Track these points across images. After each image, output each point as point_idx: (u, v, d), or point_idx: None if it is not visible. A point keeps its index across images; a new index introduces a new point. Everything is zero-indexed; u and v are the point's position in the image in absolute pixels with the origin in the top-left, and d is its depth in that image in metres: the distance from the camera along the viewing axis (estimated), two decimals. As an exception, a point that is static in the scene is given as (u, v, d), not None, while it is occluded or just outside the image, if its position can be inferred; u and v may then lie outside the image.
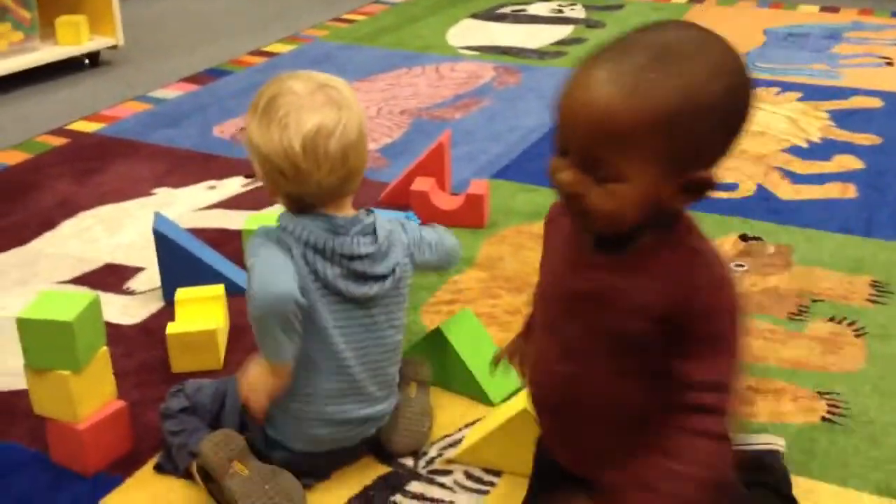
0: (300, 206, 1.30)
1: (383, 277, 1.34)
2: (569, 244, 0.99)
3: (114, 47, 3.29)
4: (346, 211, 1.33)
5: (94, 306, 1.37)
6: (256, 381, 1.31)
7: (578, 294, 0.97)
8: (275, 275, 1.24)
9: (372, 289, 1.32)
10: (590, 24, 3.78)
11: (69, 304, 1.33)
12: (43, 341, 1.33)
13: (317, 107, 1.26)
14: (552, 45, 3.54)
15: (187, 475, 1.37)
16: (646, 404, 0.95)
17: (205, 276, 1.80)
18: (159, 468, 1.40)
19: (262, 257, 1.26)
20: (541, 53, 3.43)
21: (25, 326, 1.33)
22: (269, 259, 1.26)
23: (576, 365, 0.99)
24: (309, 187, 1.26)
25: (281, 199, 1.32)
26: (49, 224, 2.16)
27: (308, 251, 1.28)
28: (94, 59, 3.30)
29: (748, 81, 0.89)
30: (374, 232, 1.33)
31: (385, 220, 1.37)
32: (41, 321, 1.32)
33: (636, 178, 0.87)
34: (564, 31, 3.71)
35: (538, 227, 2.10)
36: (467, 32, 3.69)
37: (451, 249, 1.50)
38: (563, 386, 1.01)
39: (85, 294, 1.36)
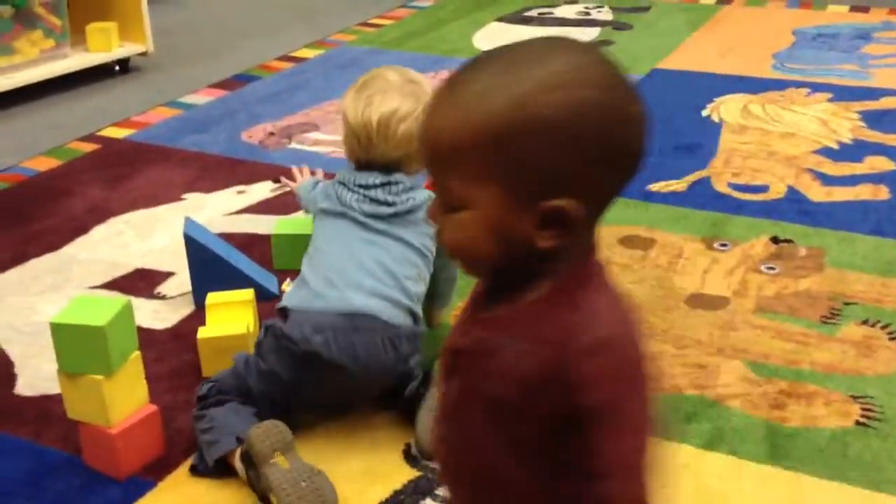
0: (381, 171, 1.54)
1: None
2: (472, 295, 0.87)
3: (143, 54, 3.32)
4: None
5: (127, 311, 1.38)
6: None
7: (456, 350, 0.86)
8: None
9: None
10: (617, 26, 3.77)
11: (102, 310, 1.35)
12: (76, 346, 1.34)
13: (400, 95, 1.52)
14: (579, 47, 3.53)
15: (218, 468, 1.39)
16: (533, 492, 0.81)
17: (235, 280, 1.81)
18: (194, 469, 1.41)
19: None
20: (568, 56, 3.42)
21: (59, 331, 1.34)
22: None
23: (451, 428, 0.87)
24: (374, 157, 1.53)
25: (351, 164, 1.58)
26: (81, 230, 2.18)
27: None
28: (124, 66, 3.33)
29: (607, 100, 0.75)
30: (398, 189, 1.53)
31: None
32: (74, 326, 1.33)
33: (479, 202, 0.76)
34: (591, 33, 3.70)
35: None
36: (494, 36, 3.69)
37: (453, 276, 1.67)
38: (442, 447, 0.89)
39: (117, 299, 1.38)
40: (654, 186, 2.32)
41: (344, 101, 1.57)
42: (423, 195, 1.55)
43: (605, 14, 3.93)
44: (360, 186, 1.54)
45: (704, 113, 2.81)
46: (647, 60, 3.30)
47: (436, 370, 1.47)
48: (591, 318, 0.78)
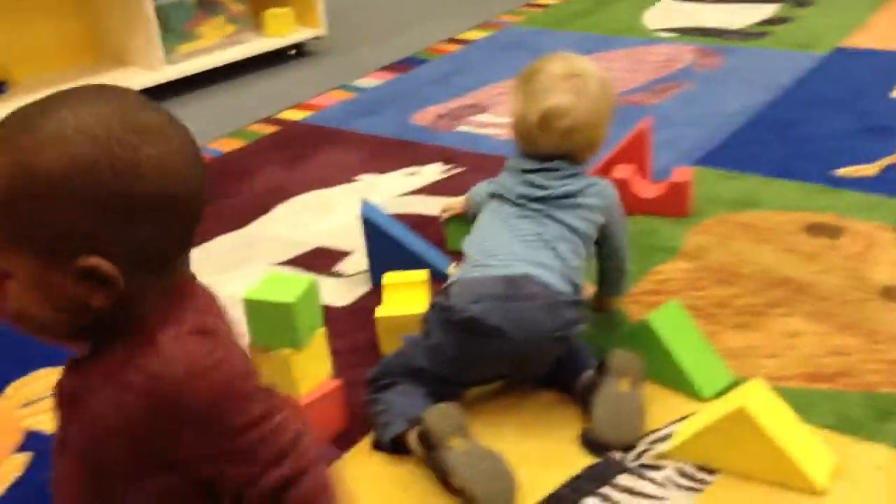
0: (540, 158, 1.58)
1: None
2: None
3: (318, 38, 3.41)
4: None
5: (313, 289, 1.43)
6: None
7: (63, 396, 0.84)
8: None
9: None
10: (799, 1, 3.60)
11: (291, 287, 1.40)
12: (267, 321, 1.40)
13: (560, 90, 1.55)
14: (756, 24, 3.40)
15: (395, 447, 1.42)
16: None
17: (410, 261, 1.84)
18: (377, 445, 1.45)
19: None
20: (744, 34, 3.30)
21: (251, 306, 1.40)
22: None
23: (58, 471, 0.86)
24: (535, 149, 1.57)
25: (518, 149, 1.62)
26: (263, 208, 2.27)
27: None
28: (300, 50, 3.44)
29: (101, 152, 0.72)
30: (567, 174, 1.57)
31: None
32: (265, 302, 1.39)
33: (16, 271, 0.75)
34: (770, 9, 3.55)
35: (745, 216, 2.05)
36: (665, 14, 3.59)
37: (623, 264, 1.67)
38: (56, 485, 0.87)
39: (305, 277, 1.43)
40: (842, 171, 2.21)
41: (512, 94, 1.62)
42: (582, 182, 1.56)
43: (784, -10, 3.76)
44: (522, 171, 1.58)
45: (894, 94, 2.65)
46: (829, 38, 3.14)
47: (609, 358, 1.45)
48: (167, 360, 0.76)
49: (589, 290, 1.68)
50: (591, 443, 1.41)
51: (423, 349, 1.48)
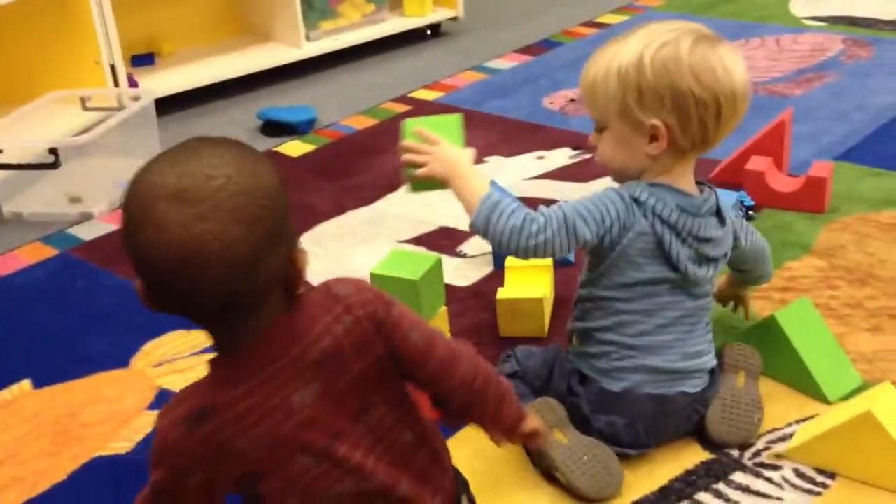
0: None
1: (717, 260, 1.33)
2: None
3: (454, 19, 3.43)
4: (692, 185, 1.33)
5: (437, 267, 1.45)
6: None
7: None
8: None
9: (709, 272, 1.32)
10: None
11: (416, 264, 1.43)
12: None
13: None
14: (911, 15, 3.23)
15: None
16: None
17: (534, 244, 1.84)
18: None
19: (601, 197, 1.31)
20: (897, 25, 3.14)
21: (377, 281, 1.44)
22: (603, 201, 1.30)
23: None
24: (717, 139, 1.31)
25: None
26: (391, 186, 2.31)
27: (658, 223, 1.29)
28: (435, 30, 3.47)
29: None
30: (719, 213, 1.32)
31: (723, 197, 1.37)
32: (391, 278, 1.42)
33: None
34: (926, -1, 3.37)
35: (887, 215, 1.96)
36: (813, 1, 3.45)
37: (766, 249, 1.51)
38: None
39: (430, 255, 1.46)
40: None
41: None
42: (730, 236, 1.39)
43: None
44: (697, 239, 1.34)
45: None
46: None
47: (726, 352, 1.43)
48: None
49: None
50: (707, 438, 1.38)
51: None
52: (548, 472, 1.35)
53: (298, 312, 0.93)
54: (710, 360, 1.39)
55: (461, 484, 1.11)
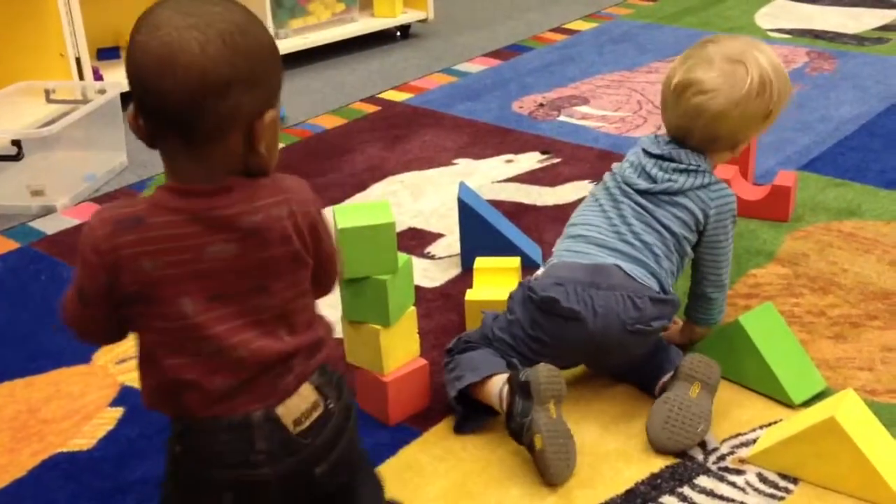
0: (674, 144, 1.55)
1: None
2: None
3: (424, 21, 3.44)
4: None
5: (407, 267, 1.45)
6: None
7: None
8: None
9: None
10: (919, 8, 3.47)
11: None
12: (359, 296, 1.43)
13: (709, 69, 1.50)
14: (874, 30, 3.29)
15: (458, 402, 1.43)
16: None
17: (502, 247, 1.85)
18: (458, 429, 1.46)
19: None
20: (860, 39, 3.20)
21: (345, 283, 1.43)
22: None
23: None
24: (666, 120, 1.56)
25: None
26: (361, 186, 2.31)
27: None
28: (404, 32, 3.47)
29: None
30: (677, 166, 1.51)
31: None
32: (359, 276, 1.41)
33: None
34: (888, 15, 3.43)
35: (848, 224, 1.99)
36: (779, 14, 3.50)
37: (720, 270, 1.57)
38: None
39: (400, 255, 1.44)
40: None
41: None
42: (693, 180, 1.51)
43: (906, -5, 3.63)
44: (644, 152, 1.56)
45: None
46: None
47: (683, 366, 1.42)
48: None
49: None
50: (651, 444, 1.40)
51: (505, 322, 1.49)
52: (526, 430, 1.34)
53: (247, 182, 1.00)
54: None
55: (334, 379, 1.10)
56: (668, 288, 1.49)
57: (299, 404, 1.02)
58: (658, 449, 1.39)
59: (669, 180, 1.51)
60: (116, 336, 1.05)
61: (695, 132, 1.52)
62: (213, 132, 0.96)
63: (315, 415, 1.03)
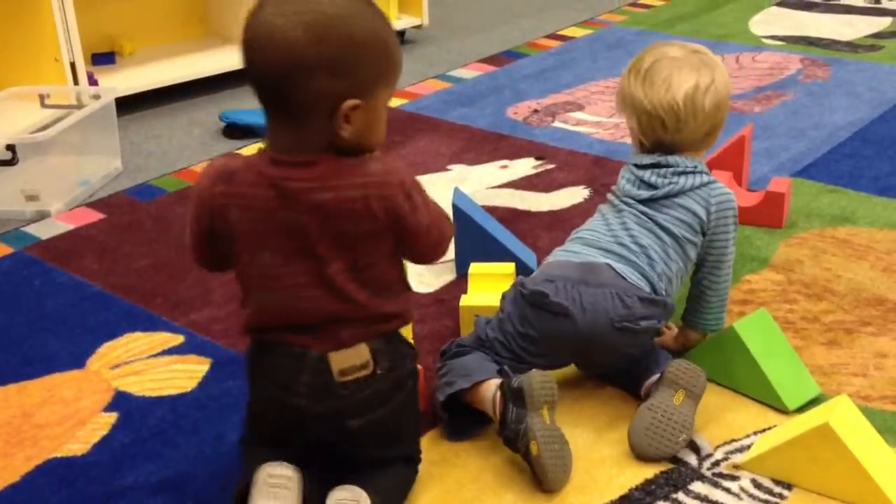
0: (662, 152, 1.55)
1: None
2: None
3: (419, 26, 3.44)
4: None
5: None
6: None
7: None
8: None
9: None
10: (912, 16, 3.49)
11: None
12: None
13: (693, 68, 1.51)
14: (867, 37, 3.30)
15: (446, 407, 1.44)
16: None
17: (496, 253, 1.85)
18: (450, 435, 1.46)
19: None
20: (854, 46, 3.21)
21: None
22: None
23: None
24: (683, 135, 1.52)
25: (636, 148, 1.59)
26: (355, 191, 2.30)
27: None
28: (399, 38, 3.47)
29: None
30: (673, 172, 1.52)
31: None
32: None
33: None
34: (882, 23, 3.45)
35: (841, 231, 2.00)
36: (773, 21, 3.52)
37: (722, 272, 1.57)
38: None
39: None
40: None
41: (632, 89, 1.53)
42: (692, 180, 1.52)
43: (899, 3, 3.65)
44: (635, 166, 1.56)
45: None
46: (945, 55, 3.04)
47: (668, 372, 1.41)
48: None
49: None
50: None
51: (496, 321, 1.50)
52: (521, 437, 1.33)
53: (335, 161, 1.13)
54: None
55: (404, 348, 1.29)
56: (659, 290, 1.49)
57: (351, 358, 1.19)
58: (639, 455, 1.39)
59: (671, 183, 1.52)
60: (219, 268, 1.26)
61: (716, 128, 1.55)
62: (299, 110, 1.11)
63: (363, 373, 1.20)
